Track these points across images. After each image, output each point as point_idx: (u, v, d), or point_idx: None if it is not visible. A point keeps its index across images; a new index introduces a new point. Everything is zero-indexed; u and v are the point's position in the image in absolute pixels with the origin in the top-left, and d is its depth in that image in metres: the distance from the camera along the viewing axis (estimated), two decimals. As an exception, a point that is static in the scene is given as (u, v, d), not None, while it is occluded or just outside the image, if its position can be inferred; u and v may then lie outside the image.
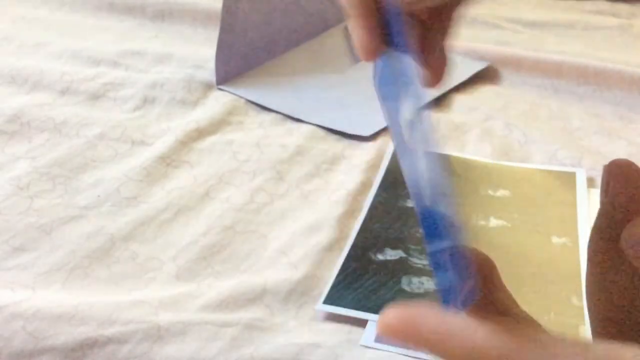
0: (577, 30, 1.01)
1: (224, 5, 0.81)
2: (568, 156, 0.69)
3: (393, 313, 0.23)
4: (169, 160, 0.69)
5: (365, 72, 0.89)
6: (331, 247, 0.57)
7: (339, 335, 0.49)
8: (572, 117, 0.78)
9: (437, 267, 0.24)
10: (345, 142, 0.72)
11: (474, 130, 0.74)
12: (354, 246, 0.56)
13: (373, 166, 0.67)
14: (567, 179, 0.65)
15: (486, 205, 0.60)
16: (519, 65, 0.87)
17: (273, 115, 0.77)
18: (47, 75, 0.82)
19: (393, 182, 0.64)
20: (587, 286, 0.29)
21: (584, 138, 0.74)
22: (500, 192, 0.63)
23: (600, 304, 0.28)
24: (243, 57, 0.85)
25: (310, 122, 0.75)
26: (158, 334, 0.48)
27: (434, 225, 0.24)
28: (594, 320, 0.29)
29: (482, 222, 0.59)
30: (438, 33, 0.39)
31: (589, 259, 0.28)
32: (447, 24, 0.39)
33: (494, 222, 0.59)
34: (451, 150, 0.70)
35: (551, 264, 0.54)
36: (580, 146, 0.72)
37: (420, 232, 0.37)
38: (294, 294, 0.52)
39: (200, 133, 0.73)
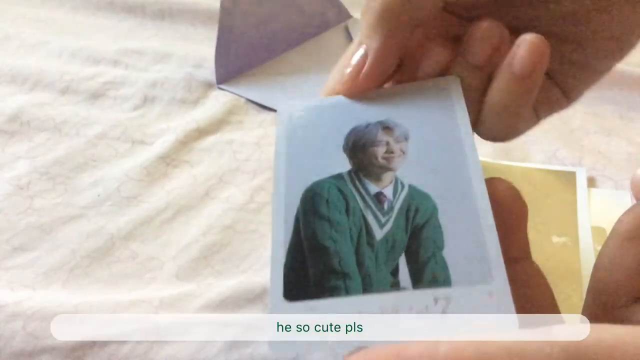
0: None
1: (221, 5, 0.81)
2: (568, 156, 0.69)
3: None
4: (169, 160, 0.69)
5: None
6: (331, 246, 0.57)
7: (339, 335, 0.49)
8: (572, 117, 0.78)
9: None
10: (345, 142, 0.72)
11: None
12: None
13: (373, 166, 0.67)
14: (568, 179, 0.65)
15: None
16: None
17: (273, 114, 0.77)
18: (47, 75, 0.82)
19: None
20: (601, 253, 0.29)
21: (584, 138, 0.74)
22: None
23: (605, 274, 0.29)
24: (243, 56, 0.85)
25: (310, 121, 0.75)
26: (158, 334, 0.48)
27: None
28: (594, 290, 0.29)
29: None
30: None
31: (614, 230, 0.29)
32: None
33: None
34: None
35: (551, 263, 0.54)
36: (580, 146, 0.72)
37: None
38: (294, 294, 0.52)
39: (201, 132, 0.73)
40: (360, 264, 0.30)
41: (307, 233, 0.31)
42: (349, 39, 0.92)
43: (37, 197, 0.63)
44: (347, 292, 0.29)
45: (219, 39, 0.81)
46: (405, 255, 0.30)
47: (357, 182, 0.33)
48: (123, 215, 0.61)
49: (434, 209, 0.31)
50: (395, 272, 0.30)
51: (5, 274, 0.54)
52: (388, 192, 0.32)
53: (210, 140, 0.72)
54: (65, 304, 0.50)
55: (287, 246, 0.31)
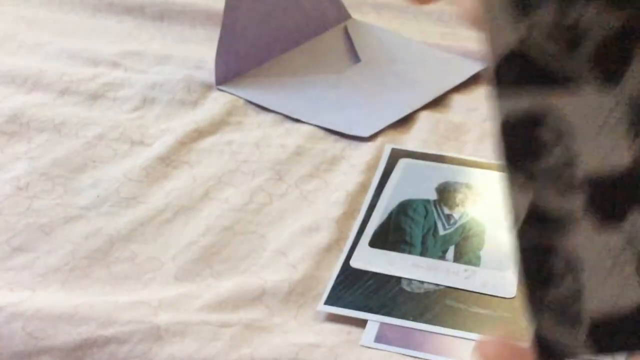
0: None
1: (226, 5, 0.81)
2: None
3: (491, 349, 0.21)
4: (169, 161, 0.69)
5: (365, 72, 0.89)
6: (330, 247, 0.57)
7: (339, 336, 0.49)
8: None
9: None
10: (344, 143, 0.72)
11: (473, 131, 0.74)
12: (353, 246, 0.56)
13: (372, 167, 0.67)
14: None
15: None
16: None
17: (272, 115, 0.77)
18: (47, 76, 0.82)
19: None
20: None
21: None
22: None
23: None
24: (242, 57, 0.85)
25: (310, 122, 0.75)
26: (157, 334, 0.48)
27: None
28: None
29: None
30: None
31: None
32: None
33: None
34: (450, 151, 0.70)
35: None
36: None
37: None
38: (293, 295, 0.52)
39: (200, 133, 0.73)
40: (424, 242, 0.53)
41: (394, 221, 0.56)
42: (348, 39, 0.92)
43: (36, 198, 0.63)
44: (410, 252, 0.52)
45: (221, 38, 0.81)
46: (455, 247, 0.52)
47: (437, 207, 0.56)
48: (122, 216, 0.61)
49: (483, 230, 0.53)
50: (444, 252, 0.52)
51: (5, 274, 0.55)
52: (456, 215, 0.55)
53: (209, 141, 0.72)
54: (64, 305, 0.50)
55: (379, 224, 0.56)
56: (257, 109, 0.79)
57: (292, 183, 0.66)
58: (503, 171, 0.20)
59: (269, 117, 0.77)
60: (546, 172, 0.19)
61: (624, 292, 0.19)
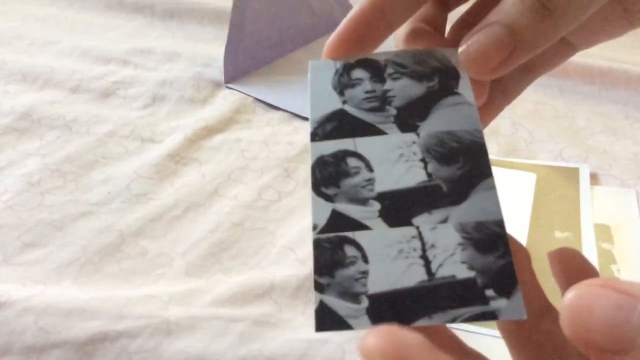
0: (583, 30, 1.01)
1: (234, 4, 0.81)
2: (573, 155, 0.70)
3: (375, 343, 0.19)
4: (178, 158, 0.69)
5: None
6: (338, 244, 0.57)
7: (347, 332, 0.49)
8: (578, 117, 0.78)
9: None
10: (353, 141, 0.73)
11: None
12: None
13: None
14: (571, 174, 0.65)
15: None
16: (525, 64, 0.87)
17: (281, 113, 0.78)
18: (58, 73, 0.83)
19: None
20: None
21: (590, 137, 0.74)
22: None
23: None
24: (251, 55, 0.85)
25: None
26: (168, 329, 0.49)
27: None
28: None
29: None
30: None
31: None
32: None
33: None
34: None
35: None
36: (586, 145, 0.72)
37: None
38: (302, 290, 0.53)
39: (209, 131, 0.74)
40: None
41: None
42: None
43: (47, 194, 0.64)
44: None
45: (229, 37, 0.82)
46: None
47: None
48: (133, 212, 0.62)
49: None
50: None
51: (17, 269, 0.55)
52: None
53: (218, 138, 0.73)
54: (76, 300, 0.51)
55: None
56: (265, 107, 0.79)
57: (300, 180, 0.66)
58: (312, 192, 0.26)
59: (277, 115, 0.78)
60: (347, 191, 0.26)
61: (408, 272, 0.23)
